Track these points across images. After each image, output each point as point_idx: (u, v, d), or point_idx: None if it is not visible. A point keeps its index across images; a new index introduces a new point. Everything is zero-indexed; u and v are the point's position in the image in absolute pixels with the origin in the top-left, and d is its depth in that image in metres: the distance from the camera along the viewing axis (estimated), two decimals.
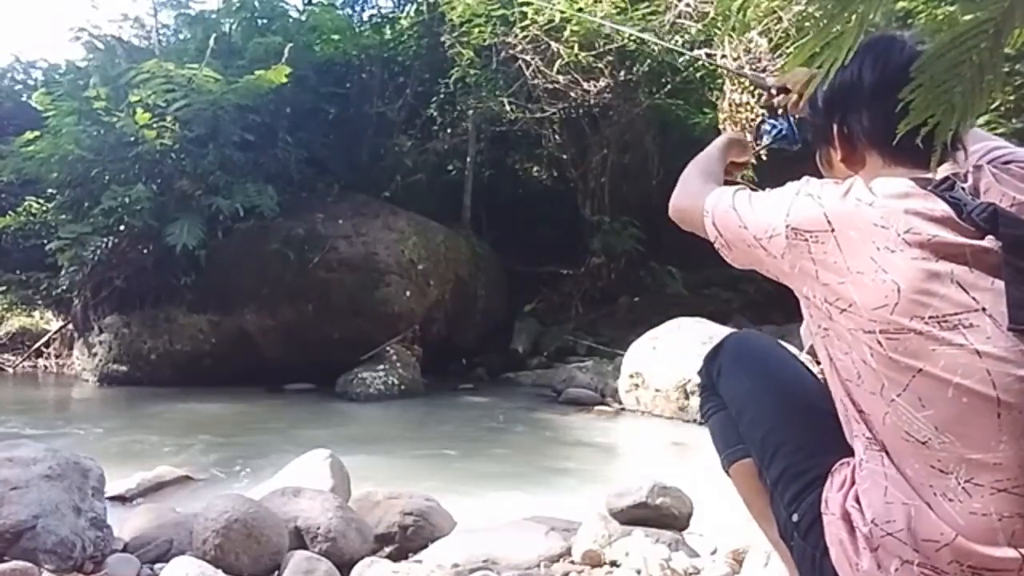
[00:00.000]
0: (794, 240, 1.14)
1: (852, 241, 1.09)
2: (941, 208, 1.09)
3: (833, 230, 1.10)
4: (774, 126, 1.65)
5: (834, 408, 1.23)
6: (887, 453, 1.08)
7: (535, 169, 10.82)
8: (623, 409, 6.25)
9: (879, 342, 1.07)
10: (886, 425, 1.08)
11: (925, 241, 1.06)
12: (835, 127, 1.28)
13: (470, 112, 9.10)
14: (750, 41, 7.11)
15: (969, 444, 1.02)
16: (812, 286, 1.14)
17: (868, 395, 1.10)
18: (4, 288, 9.64)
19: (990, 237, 1.07)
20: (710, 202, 1.30)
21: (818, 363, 1.34)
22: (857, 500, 1.12)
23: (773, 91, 1.64)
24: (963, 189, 1.13)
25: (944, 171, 1.17)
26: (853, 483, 1.14)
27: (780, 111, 1.64)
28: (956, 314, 1.04)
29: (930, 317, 1.04)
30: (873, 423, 1.10)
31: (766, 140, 1.65)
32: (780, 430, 1.30)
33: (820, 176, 1.31)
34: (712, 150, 1.56)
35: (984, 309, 1.04)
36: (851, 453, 1.19)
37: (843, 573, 1.15)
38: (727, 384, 1.45)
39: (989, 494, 1.02)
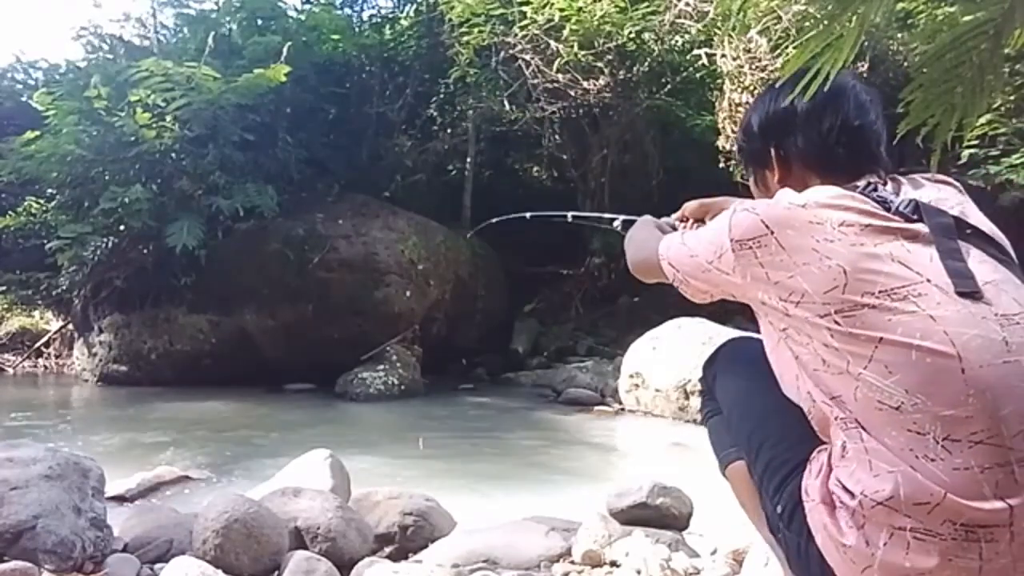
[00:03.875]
0: (740, 251, 1.22)
1: (791, 238, 1.17)
2: (870, 204, 1.18)
3: (772, 232, 1.19)
4: None
5: None
6: (864, 428, 1.11)
7: (535, 169, 10.82)
8: (623, 409, 6.26)
9: (836, 322, 1.13)
10: (858, 400, 1.11)
11: (860, 230, 1.15)
12: (772, 150, 1.39)
13: (470, 112, 9.10)
14: (750, 41, 7.11)
15: (940, 402, 1.06)
16: (766, 289, 1.21)
17: (836, 376, 1.14)
18: (4, 288, 9.64)
19: (919, 224, 1.17)
20: (663, 247, 1.42)
21: None
22: (839, 481, 1.14)
23: (676, 224, 1.79)
24: (886, 191, 1.24)
25: (864, 180, 1.27)
26: (831, 468, 1.17)
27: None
28: (904, 286, 1.11)
29: (880, 291, 1.11)
30: (846, 402, 1.13)
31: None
32: (764, 426, 1.35)
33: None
34: (650, 225, 1.73)
35: (929, 280, 1.11)
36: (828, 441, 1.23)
37: (830, 557, 1.15)
38: (721, 387, 1.52)
39: (968, 448, 1.05)
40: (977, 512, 1.03)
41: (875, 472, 1.09)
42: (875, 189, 1.22)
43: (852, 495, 1.11)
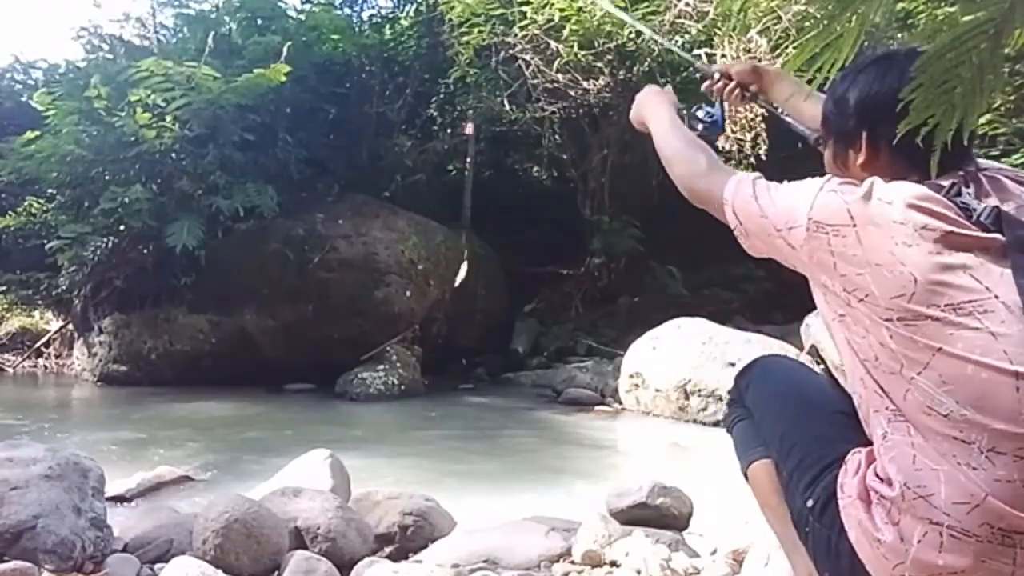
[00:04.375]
0: (815, 232, 1.19)
1: (872, 236, 1.15)
2: (953, 210, 1.16)
3: (855, 225, 1.16)
4: (709, 113, 1.68)
5: (849, 408, 1.31)
6: (911, 424, 1.12)
7: (535, 169, 10.81)
8: (623, 409, 6.25)
9: (896, 327, 1.13)
10: (907, 401, 1.12)
11: (940, 236, 1.13)
12: (864, 132, 1.32)
13: (470, 112, 9.09)
14: (750, 41, 7.12)
15: (991, 415, 1.06)
16: (830, 275, 1.20)
17: (887, 375, 1.14)
18: (4, 288, 9.63)
19: (997, 235, 1.15)
20: (730, 191, 1.34)
21: (819, 362, 1.39)
22: (877, 474, 1.16)
23: (715, 75, 1.70)
24: (969, 194, 1.21)
25: (950, 179, 1.23)
26: (870, 464, 1.19)
27: (716, 98, 1.70)
28: (970, 301, 1.10)
29: (946, 305, 1.10)
30: (894, 399, 1.14)
31: (698, 126, 1.67)
32: (798, 426, 1.38)
33: (823, 172, 1.36)
34: (676, 119, 1.58)
35: (997, 296, 1.10)
36: (863, 443, 1.24)
37: (863, 553, 1.17)
38: (754, 393, 1.53)
39: (1012, 461, 1.05)
40: (1017, 519, 1.04)
41: (918, 467, 1.10)
42: (959, 193, 1.20)
43: (892, 485, 1.12)
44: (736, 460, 1.56)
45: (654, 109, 1.61)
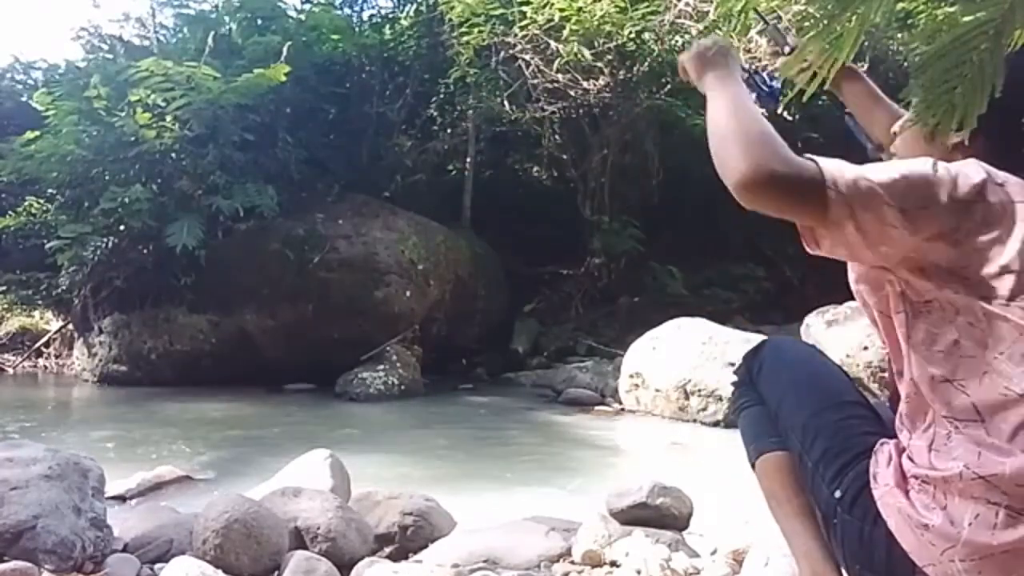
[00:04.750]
0: (955, 208, 1.13)
1: (996, 213, 1.15)
2: None
3: (985, 201, 1.15)
4: (766, 83, 1.60)
5: (862, 398, 1.33)
6: (978, 413, 1.11)
7: (535, 169, 10.83)
8: (623, 409, 6.25)
9: (990, 307, 1.12)
10: (983, 385, 1.12)
11: None
12: None
13: (470, 112, 9.10)
14: (750, 41, 7.11)
15: None
16: (940, 255, 1.13)
17: (966, 359, 1.13)
18: (4, 288, 9.64)
19: None
20: (833, 172, 1.11)
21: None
22: (914, 460, 1.16)
23: (786, 50, 1.64)
24: None
25: None
26: (901, 453, 1.19)
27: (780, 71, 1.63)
28: None
29: None
30: (966, 385, 1.13)
31: (753, 93, 1.59)
32: (820, 415, 1.36)
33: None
34: (749, 102, 1.27)
35: None
36: (885, 434, 1.25)
37: (905, 541, 1.16)
38: (768, 378, 1.50)
39: None
40: None
41: (980, 455, 1.10)
42: None
43: (942, 468, 1.12)
44: (744, 448, 1.52)
45: (726, 80, 1.28)
